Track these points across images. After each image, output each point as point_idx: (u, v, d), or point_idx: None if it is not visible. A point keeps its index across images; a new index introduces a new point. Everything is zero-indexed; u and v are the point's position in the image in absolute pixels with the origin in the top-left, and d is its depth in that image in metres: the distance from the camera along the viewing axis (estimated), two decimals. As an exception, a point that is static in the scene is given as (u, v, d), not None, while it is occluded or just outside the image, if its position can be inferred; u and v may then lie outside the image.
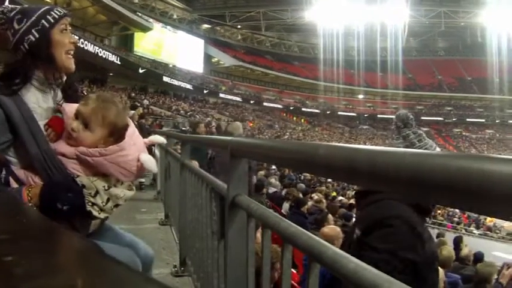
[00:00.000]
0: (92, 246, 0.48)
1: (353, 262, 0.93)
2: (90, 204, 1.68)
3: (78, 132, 1.75)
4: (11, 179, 1.69)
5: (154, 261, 3.89)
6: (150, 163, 1.86)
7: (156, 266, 3.81)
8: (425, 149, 2.32)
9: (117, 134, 1.80)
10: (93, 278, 0.39)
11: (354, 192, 2.79)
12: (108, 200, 1.74)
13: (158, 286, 0.39)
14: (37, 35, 1.79)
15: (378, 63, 70.54)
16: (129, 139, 1.83)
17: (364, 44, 70.53)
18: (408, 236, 2.00)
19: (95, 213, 1.70)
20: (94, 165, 1.73)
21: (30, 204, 1.59)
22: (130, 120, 1.94)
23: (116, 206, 1.81)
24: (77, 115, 1.77)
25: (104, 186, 1.74)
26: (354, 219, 9.21)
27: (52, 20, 1.84)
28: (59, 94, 1.95)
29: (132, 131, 1.89)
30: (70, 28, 1.96)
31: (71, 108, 1.84)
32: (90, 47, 32.83)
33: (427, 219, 2.21)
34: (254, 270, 1.58)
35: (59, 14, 1.88)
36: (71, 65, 1.91)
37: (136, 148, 1.85)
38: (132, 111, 9.99)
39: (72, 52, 1.91)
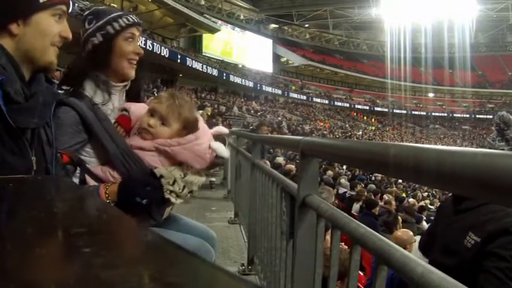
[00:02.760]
0: (165, 239, 0.49)
1: (421, 265, 0.91)
2: (168, 192, 1.78)
3: (155, 128, 1.86)
4: (87, 177, 1.78)
5: (223, 259, 3.96)
6: (222, 149, 1.97)
7: (224, 263, 3.89)
8: None
9: (189, 127, 1.91)
10: (166, 268, 0.40)
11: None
12: (184, 187, 1.83)
13: (228, 276, 0.39)
14: (101, 39, 1.87)
15: (446, 59, 67.99)
16: (202, 129, 1.95)
17: (432, 41, 68.13)
18: None
19: (173, 199, 1.80)
20: (172, 155, 1.84)
21: (108, 201, 1.67)
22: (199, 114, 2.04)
23: (190, 192, 1.90)
24: (152, 112, 1.88)
25: (180, 175, 1.83)
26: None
27: (118, 28, 1.90)
28: (123, 94, 2.04)
29: (202, 123, 2.00)
30: (139, 37, 2.04)
31: (137, 106, 1.96)
32: (157, 49, 33.44)
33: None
34: (322, 271, 1.57)
35: (126, 22, 1.94)
36: (131, 73, 1.97)
37: (208, 137, 1.96)
38: (201, 111, 10.20)
39: (134, 61, 1.97)
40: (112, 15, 1.91)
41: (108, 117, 1.85)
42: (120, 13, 1.96)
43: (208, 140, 1.94)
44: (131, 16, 1.99)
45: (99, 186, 1.74)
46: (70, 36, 1.51)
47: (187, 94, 33.70)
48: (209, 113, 11.72)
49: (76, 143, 1.76)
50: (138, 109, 1.94)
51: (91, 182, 1.77)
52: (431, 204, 14.81)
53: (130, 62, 1.95)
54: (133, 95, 2.10)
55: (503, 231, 1.97)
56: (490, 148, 2.27)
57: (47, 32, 1.44)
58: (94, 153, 1.82)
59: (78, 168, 1.79)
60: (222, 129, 2.23)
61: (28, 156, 1.36)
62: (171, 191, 1.78)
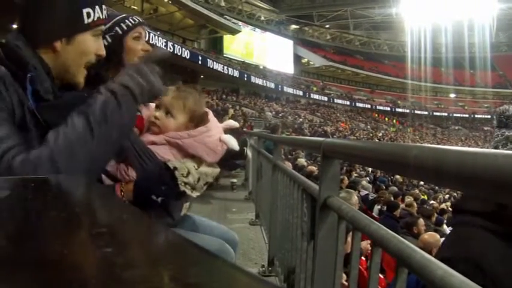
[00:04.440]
0: (186, 239, 0.50)
1: (441, 268, 0.90)
2: (183, 184, 1.77)
3: (161, 120, 1.88)
4: (103, 176, 1.80)
5: (243, 261, 3.96)
6: (233, 141, 1.95)
7: (244, 265, 3.89)
8: None
9: (196, 120, 1.91)
10: (187, 268, 0.40)
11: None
12: (198, 179, 1.83)
13: (249, 277, 0.39)
14: (110, 40, 1.93)
15: (466, 59, 67.15)
16: (213, 122, 1.96)
17: (452, 40, 67.33)
18: None
19: (188, 192, 1.79)
20: (183, 148, 1.84)
21: (123, 199, 1.69)
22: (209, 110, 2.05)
23: (206, 184, 1.89)
24: (158, 105, 1.91)
25: (194, 166, 1.83)
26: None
27: (125, 28, 2.00)
28: None
29: (211, 116, 2.00)
30: (145, 36, 2.09)
31: (149, 106, 1.97)
32: (178, 50, 33.57)
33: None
34: (342, 273, 1.56)
35: (133, 22, 2.03)
36: None
37: (218, 130, 1.96)
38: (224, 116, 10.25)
39: None
40: (118, 18, 2.02)
41: None
42: (125, 15, 2.06)
43: (219, 133, 1.94)
44: (135, 17, 2.09)
45: (114, 185, 1.76)
46: (104, 53, 1.57)
47: (209, 96, 33.92)
48: (231, 115, 11.73)
49: None
50: (150, 108, 1.97)
51: (107, 181, 1.79)
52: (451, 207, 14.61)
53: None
54: None
55: None
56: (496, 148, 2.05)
57: (87, 52, 1.50)
58: None
59: None
60: (231, 123, 2.24)
61: None
62: (186, 183, 1.78)
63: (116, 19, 1.99)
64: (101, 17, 1.52)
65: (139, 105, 1.50)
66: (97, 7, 1.50)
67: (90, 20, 1.47)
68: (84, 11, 1.46)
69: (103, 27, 1.57)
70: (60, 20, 1.44)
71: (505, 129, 2.00)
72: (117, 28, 1.98)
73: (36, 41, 1.42)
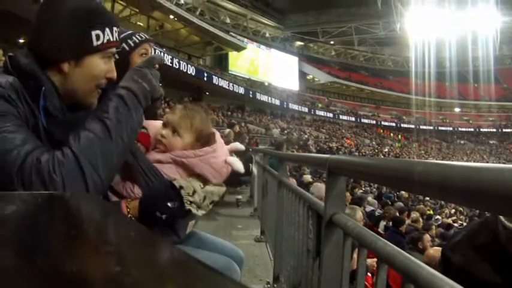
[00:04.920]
0: (193, 257, 0.50)
1: (448, 284, 0.90)
2: (188, 203, 1.76)
3: (167, 139, 1.88)
4: (109, 193, 1.80)
5: (248, 277, 3.94)
6: (238, 164, 1.95)
7: (249, 282, 3.88)
8: None
9: (203, 139, 1.91)
10: (193, 286, 0.41)
11: None
12: (204, 197, 1.82)
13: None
14: (117, 56, 1.93)
15: (470, 73, 67.14)
16: (219, 143, 1.95)
17: (456, 54, 67.47)
18: None
19: (194, 210, 1.78)
20: (189, 167, 1.83)
21: (129, 216, 1.69)
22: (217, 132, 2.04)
23: (212, 202, 1.88)
24: (166, 124, 1.91)
25: (200, 185, 1.82)
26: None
27: (132, 44, 2.01)
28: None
29: (218, 137, 1.99)
30: (151, 53, 2.12)
31: (155, 123, 1.98)
32: (183, 67, 33.63)
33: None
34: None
35: (140, 39, 2.06)
36: None
37: (224, 152, 1.96)
38: (228, 130, 10.24)
39: None
40: (125, 34, 2.03)
41: None
42: (132, 32, 2.07)
43: (225, 155, 1.94)
44: (142, 34, 2.09)
45: (120, 202, 1.76)
46: (115, 76, 1.56)
47: (214, 112, 34.00)
48: (237, 131, 11.72)
49: None
50: (156, 126, 1.97)
51: (113, 197, 1.79)
52: (454, 222, 14.50)
53: None
54: (150, 115, 2.13)
55: None
56: None
57: (96, 74, 1.50)
58: None
59: None
60: (238, 145, 2.24)
61: None
62: (191, 202, 1.78)
63: (122, 36, 2.00)
64: (111, 40, 1.51)
65: (144, 108, 1.51)
66: (107, 29, 1.49)
67: (99, 42, 1.47)
68: (93, 33, 1.45)
69: (114, 50, 1.56)
70: (68, 42, 1.43)
71: None
72: (124, 45, 1.99)
73: (44, 60, 1.42)
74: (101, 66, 1.50)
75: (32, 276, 0.41)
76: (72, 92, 1.47)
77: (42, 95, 1.33)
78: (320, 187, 6.95)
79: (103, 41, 1.48)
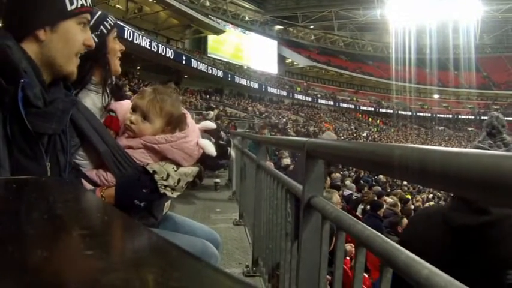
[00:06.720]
0: (168, 241, 0.49)
1: (427, 268, 0.90)
2: (163, 187, 1.77)
3: (137, 124, 1.85)
4: (84, 182, 1.77)
5: (227, 261, 3.95)
6: (210, 147, 1.96)
7: (228, 265, 3.89)
8: None
9: (174, 123, 1.90)
10: (170, 271, 0.40)
11: None
12: (179, 180, 1.83)
13: (232, 280, 0.38)
14: (96, 40, 1.86)
15: (451, 61, 67.98)
16: (191, 126, 1.94)
17: (437, 42, 68.25)
18: None
19: (169, 194, 1.80)
20: (160, 152, 1.83)
21: None
22: (186, 111, 2.03)
23: (186, 183, 1.89)
24: (135, 108, 1.88)
25: (173, 168, 1.83)
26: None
27: (109, 27, 1.97)
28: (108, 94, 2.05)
29: (190, 118, 1.99)
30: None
31: (122, 106, 1.96)
32: (162, 50, 33.37)
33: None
34: (326, 273, 1.56)
35: (113, 22, 2.01)
36: (119, 69, 2.04)
37: (196, 134, 1.96)
38: (211, 112, 10.21)
39: (119, 57, 2.04)
40: (98, 15, 1.97)
41: (97, 117, 1.85)
42: (103, 12, 2.03)
43: (196, 137, 1.93)
44: (111, 16, 2.07)
45: (95, 190, 1.74)
46: (93, 44, 1.56)
47: (193, 96, 33.79)
48: (216, 114, 11.69)
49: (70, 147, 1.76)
50: (123, 108, 1.94)
51: (88, 186, 1.77)
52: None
53: (120, 59, 2.03)
54: (115, 92, 2.11)
55: None
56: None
57: (74, 40, 1.47)
58: (87, 157, 1.82)
59: None
60: (208, 124, 2.23)
61: (43, 161, 1.37)
62: (166, 186, 1.78)
63: (97, 16, 1.95)
64: (85, 5, 1.49)
65: None
66: None
67: (73, 6, 1.44)
68: None
69: (88, 16, 1.53)
70: (42, 8, 1.41)
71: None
72: (102, 27, 1.94)
73: (20, 32, 1.39)
74: (77, 31, 1.48)
75: (2, 263, 0.39)
76: (51, 60, 1.43)
77: (20, 88, 1.27)
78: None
79: (77, 5, 1.46)
